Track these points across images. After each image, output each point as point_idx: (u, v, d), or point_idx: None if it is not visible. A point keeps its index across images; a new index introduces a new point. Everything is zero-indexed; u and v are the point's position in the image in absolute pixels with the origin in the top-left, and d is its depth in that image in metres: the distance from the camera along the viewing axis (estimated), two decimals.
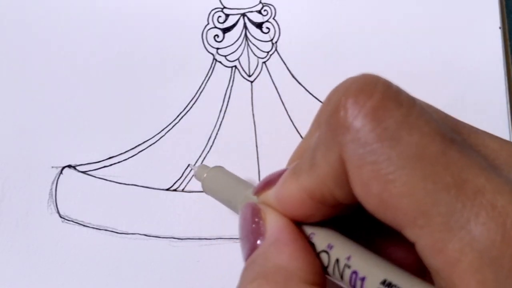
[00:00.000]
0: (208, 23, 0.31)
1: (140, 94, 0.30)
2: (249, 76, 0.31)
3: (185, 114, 0.30)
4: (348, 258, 0.17)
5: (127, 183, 0.30)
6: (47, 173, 0.30)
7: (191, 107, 0.30)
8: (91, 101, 0.30)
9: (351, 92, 0.16)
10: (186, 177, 0.30)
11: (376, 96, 0.15)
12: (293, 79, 0.30)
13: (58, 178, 0.30)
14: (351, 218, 0.20)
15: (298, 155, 0.22)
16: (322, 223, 0.19)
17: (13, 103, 0.30)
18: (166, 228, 0.30)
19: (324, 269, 0.18)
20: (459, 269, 0.14)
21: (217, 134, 0.30)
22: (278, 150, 0.30)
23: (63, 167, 0.30)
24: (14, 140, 0.30)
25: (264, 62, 0.31)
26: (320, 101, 0.30)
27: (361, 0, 0.31)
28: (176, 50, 0.31)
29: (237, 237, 0.29)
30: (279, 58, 0.31)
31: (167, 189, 0.30)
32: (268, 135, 0.30)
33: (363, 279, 0.17)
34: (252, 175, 0.30)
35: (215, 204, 0.30)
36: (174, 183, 0.30)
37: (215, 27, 0.31)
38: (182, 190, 0.30)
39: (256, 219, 0.20)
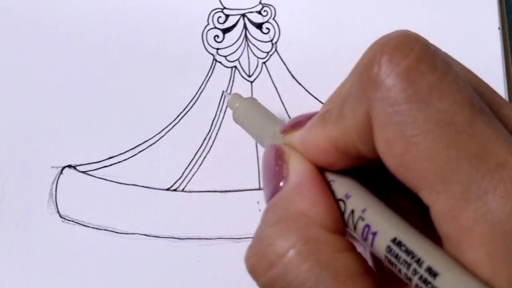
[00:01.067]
0: (208, 24, 0.31)
1: (140, 94, 0.30)
2: (249, 76, 0.31)
3: (185, 114, 0.30)
4: (363, 211, 0.18)
5: (127, 183, 0.30)
6: (47, 173, 0.30)
7: (191, 107, 0.30)
8: (91, 101, 0.30)
9: (387, 49, 0.16)
10: (186, 177, 0.30)
11: (412, 57, 0.15)
12: (293, 79, 0.31)
13: (58, 178, 0.30)
14: (372, 171, 0.20)
15: (331, 101, 0.22)
16: (343, 172, 0.19)
17: (13, 103, 0.30)
18: (166, 228, 0.30)
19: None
20: (470, 239, 0.14)
21: (217, 134, 0.30)
22: None
23: (63, 167, 0.30)
24: (14, 140, 0.30)
25: (264, 63, 0.31)
26: (320, 101, 0.30)
27: (361, 0, 0.31)
28: (176, 50, 0.31)
29: (237, 237, 0.29)
30: (279, 59, 0.31)
31: (167, 189, 0.30)
32: None
33: (374, 234, 0.17)
34: (252, 175, 0.30)
35: (215, 204, 0.30)
36: (174, 183, 0.30)
37: (215, 27, 0.31)
38: (182, 190, 0.30)
39: (280, 162, 0.20)
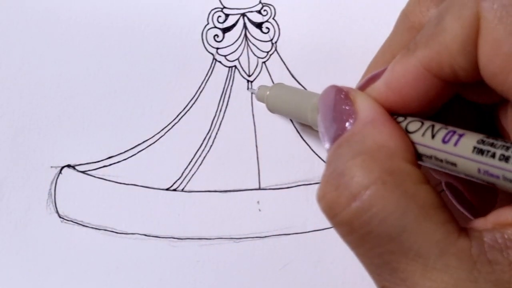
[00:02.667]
0: (208, 23, 0.31)
1: (139, 94, 0.30)
2: (249, 76, 0.31)
3: (184, 114, 0.30)
4: (444, 124, 0.18)
5: (126, 182, 0.30)
6: (46, 173, 0.30)
7: (190, 107, 0.30)
8: (90, 100, 0.30)
9: None
10: (186, 176, 0.30)
11: None
12: (293, 79, 0.30)
13: (57, 177, 0.30)
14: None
15: (383, 57, 0.23)
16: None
17: (12, 102, 0.30)
18: (166, 228, 0.30)
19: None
20: None
21: (216, 133, 0.30)
22: (277, 150, 0.30)
23: (62, 167, 0.30)
24: (13, 140, 0.30)
25: (264, 62, 0.31)
26: None
27: (361, 0, 0.31)
28: (175, 50, 0.31)
29: (237, 237, 0.29)
30: (279, 58, 0.31)
31: (167, 189, 0.30)
32: (268, 135, 0.30)
33: (461, 135, 0.17)
34: (251, 175, 0.30)
35: (215, 204, 0.30)
36: (174, 182, 0.30)
37: (215, 27, 0.31)
38: (182, 190, 0.30)
39: (346, 101, 0.19)
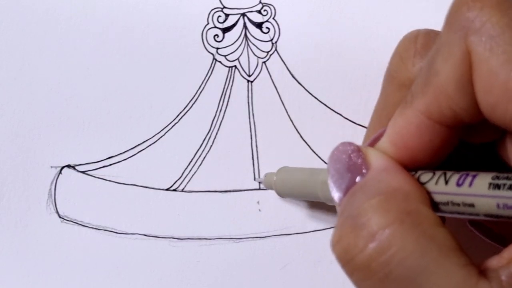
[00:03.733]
0: (208, 23, 0.31)
1: (139, 94, 0.30)
2: (249, 76, 0.31)
3: (184, 114, 0.30)
4: (457, 172, 0.18)
5: (126, 183, 0.30)
6: (46, 173, 0.30)
7: (190, 107, 0.30)
8: (90, 100, 0.30)
9: None
10: (186, 177, 0.30)
11: None
12: (293, 79, 0.30)
13: (57, 178, 0.30)
14: None
15: (380, 120, 0.23)
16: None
17: (12, 102, 0.30)
18: (166, 228, 0.30)
19: None
20: None
21: (216, 133, 0.30)
22: (277, 149, 0.30)
23: (62, 167, 0.30)
24: (13, 140, 0.30)
25: (264, 62, 0.31)
26: (320, 101, 0.30)
27: (361, 0, 0.31)
28: (175, 49, 0.31)
29: (237, 237, 0.29)
30: (279, 58, 0.31)
31: (167, 189, 0.30)
32: (268, 135, 0.30)
33: (474, 176, 0.17)
34: (251, 175, 0.30)
35: (215, 204, 0.30)
36: (174, 183, 0.30)
37: (215, 27, 0.31)
38: (182, 190, 0.30)
39: (358, 153, 0.19)
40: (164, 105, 0.30)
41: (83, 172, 0.30)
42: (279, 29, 0.31)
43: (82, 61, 0.30)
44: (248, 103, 0.30)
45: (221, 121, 0.30)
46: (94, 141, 0.30)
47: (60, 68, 0.30)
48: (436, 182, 0.18)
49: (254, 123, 0.30)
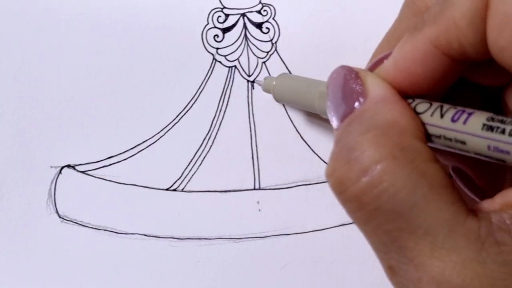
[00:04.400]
0: (208, 23, 0.31)
1: (139, 94, 0.30)
2: (249, 76, 0.31)
3: (184, 114, 0.30)
4: (454, 107, 0.18)
5: (126, 183, 0.30)
6: (46, 173, 0.30)
7: (190, 107, 0.30)
8: (90, 100, 0.30)
9: None
10: (186, 177, 0.30)
11: None
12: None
13: (57, 178, 0.30)
14: None
15: (389, 42, 0.22)
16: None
17: (12, 102, 0.30)
18: (166, 228, 0.30)
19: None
20: None
21: (216, 133, 0.30)
22: (277, 149, 0.30)
23: (62, 167, 0.30)
24: (13, 140, 0.30)
25: (264, 62, 0.31)
26: None
27: (362, 0, 0.31)
28: (176, 50, 0.31)
29: (237, 237, 0.29)
30: (279, 58, 0.31)
31: (167, 189, 0.30)
32: (267, 135, 0.30)
33: (470, 114, 0.17)
34: (251, 175, 0.30)
35: (215, 204, 0.30)
36: (174, 182, 0.30)
37: (215, 27, 0.31)
38: (182, 190, 0.30)
39: (356, 80, 0.19)
40: (164, 105, 0.30)
41: (83, 172, 0.30)
42: (279, 29, 0.31)
43: (82, 61, 0.30)
44: (248, 103, 0.30)
45: (221, 121, 0.30)
46: (94, 141, 0.30)
47: (60, 68, 0.30)
48: (432, 114, 0.18)
49: (254, 123, 0.30)
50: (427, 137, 0.18)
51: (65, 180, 0.30)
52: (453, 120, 0.17)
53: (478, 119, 0.17)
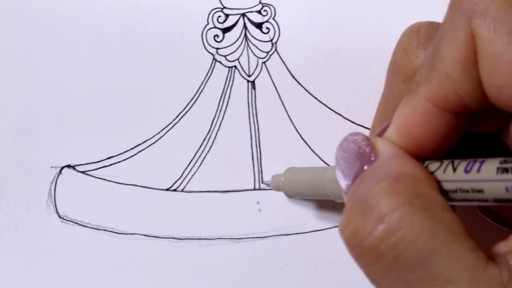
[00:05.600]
0: (208, 23, 0.31)
1: (139, 94, 0.30)
2: (249, 76, 0.31)
3: (184, 114, 0.30)
4: (464, 159, 0.18)
5: (126, 183, 0.30)
6: (46, 173, 0.30)
7: (190, 107, 0.30)
8: (90, 100, 0.30)
9: None
10: (186, 177, 0.30)
11: None
12: (293, 79, 0.30)
13: (57, 178, 0.30)
14: None
15: (385, 113, 0.23)
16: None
17: (12, 102, 0.30)
18: (166, 228, 0.30)
19: None
20: None
21: (216, 134, 0.30)
22: (277, 150, 0.30)
23: (62, 167, 0.30)
24: (13, 140, 0.30)
25: (264, 62, 0.31)
26: (320, 101, 0.30)
27: (362, 0, 0.31)
28: (175, 50, 0.31)
29: (237, 237, 0.29)
30: (279, 58, 0.31)
31: (167, 189, 0.30)
32: (268, 135, 0.30)
33: (482, 162, 0.17)
34: (251, 175, 0.30)
35: (215, 204, 0.30)
36: (174, 183, 0.30)
37: (215, 27, 0.31)
38: (182, 190, 0.30)
39: (367, 142, 0.19)
40: (164, 105, 0.30)
41: (83, 172, 0.30)
42: (279, 29, 0.31)
43: (82, 61, 0.30)
44: (248, 103, 0.30)
45: (221, 121, 0.30)
46: (94, 141, 0.30)
47: (60, 68, 0.30)
48: (444, 171, 0.18)
49: (254, 123, 0.30)
50: (443, 194, 0.18)
51: (65, 180, 0.30)
52: (466, 171, 0.17)
53: (491, 164, 0.16)
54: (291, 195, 0.28)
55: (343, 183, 0.19)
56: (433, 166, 0.19)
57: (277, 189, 0.28)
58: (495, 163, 0.16)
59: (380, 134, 0.21)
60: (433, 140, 0.19)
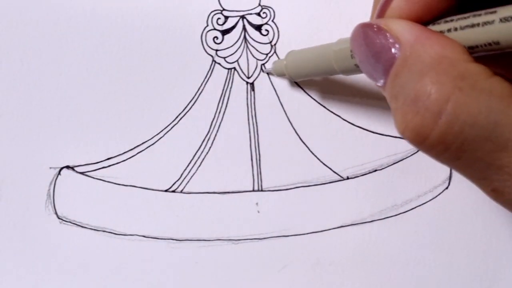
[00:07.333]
0: (207, 25, 0.31)
1: (139, 95, 0.30)
2: (248, 78, 0.31)
3: (184, 115, 0.30)
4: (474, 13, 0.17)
5: (125, 184, 0.30)
6: (45, 174, 0.30)
7: (190, 108, 0.30)
8: (90, 101, 0.30)
9: None
10: (185, 178, 0.30)
11: None
12: (292, 81, 0.31)
13: (56, 179, 0.30)
14: None
15: None
16: None
17: (11, 103, 0.30)
18: (165, 229, 0.30)
19: None
20: None
21: (216, 135, 0.30)
22: (276, 151, 0.30)
23: (61, 168, 0.30)
24: (12, 140, 0.30)
25: (263, 64, 0.31)
26: (319, 103, 0.30)
27: (361, 2, 0.31)
28: (175, 51, 0.31)
29: (236, 238, 0.29)
30: None
31: (166, 190, 0.30)
32: (267, 137, 0.30)
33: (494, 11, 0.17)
34: (250, 177, 0.30)
35: (214, 205, 0.30)
36: (173, 184, 0.30)
37: (214, 29, 0.31)
38: (181, 192, 0.30)
39: (381, 32, 0.19)
40: (164, 106, 0.30)
41: (82, 173, 0.30)
42: (278, 31, 0.31)
43: (81, 61, 0.30)
44: (247, 105, 0.30)
45: (220, 122, 0.30)
46: (93, 142, 0.30)
47: (60, 68, 0.30)
48: (459, 28, 0.18)
49: (253, 124, 0.30)
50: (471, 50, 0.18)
51: (64, 181, 0.30)
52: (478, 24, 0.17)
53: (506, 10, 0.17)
54: (296, 76, 0.28)
55: (379, 81, 0.20)
56: (445, 26, 0.18)
57: (280, 73, 0.28)
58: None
59: (381, 13, 0.20)
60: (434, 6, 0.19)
